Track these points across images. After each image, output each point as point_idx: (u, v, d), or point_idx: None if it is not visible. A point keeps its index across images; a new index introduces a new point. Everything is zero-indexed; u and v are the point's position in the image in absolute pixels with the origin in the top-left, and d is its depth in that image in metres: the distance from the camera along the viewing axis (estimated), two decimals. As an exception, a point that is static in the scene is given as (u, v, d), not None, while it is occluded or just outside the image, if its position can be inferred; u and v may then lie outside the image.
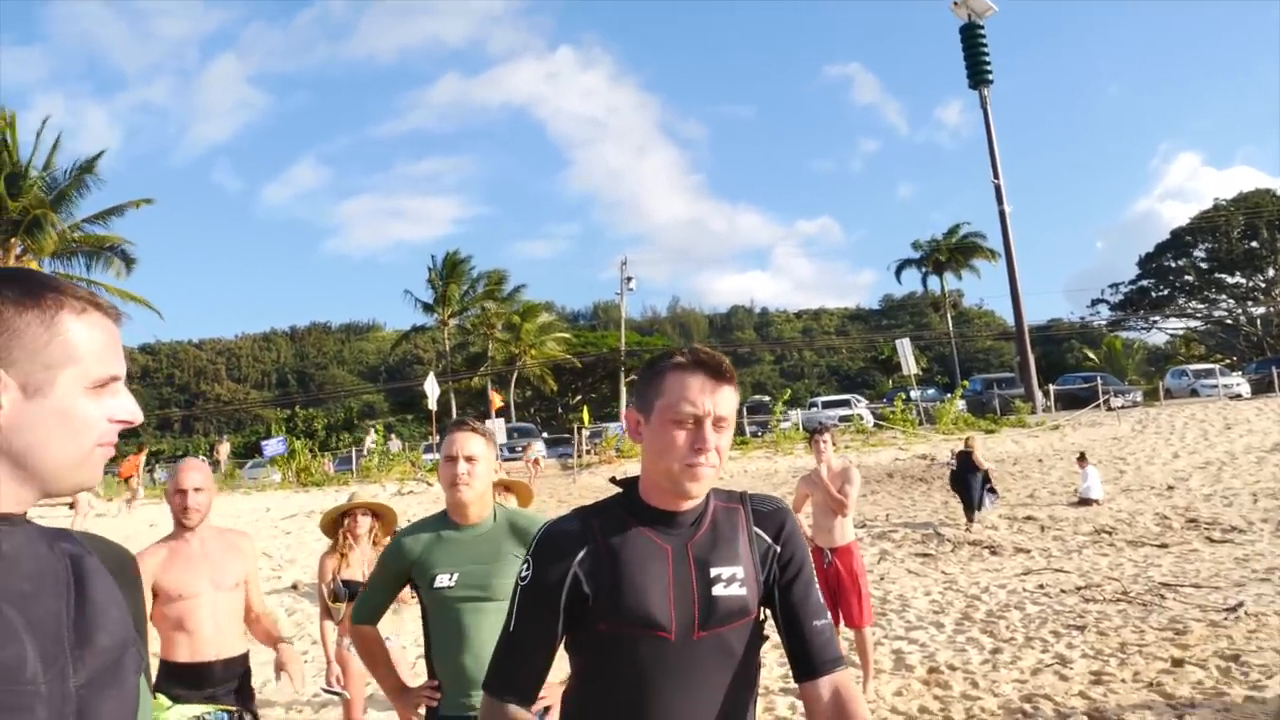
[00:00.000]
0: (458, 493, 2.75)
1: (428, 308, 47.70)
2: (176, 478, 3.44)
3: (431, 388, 26.73)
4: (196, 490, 3.41)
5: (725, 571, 1.62)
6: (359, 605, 2.90)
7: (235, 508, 17.98)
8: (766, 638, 1.71)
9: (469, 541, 2.76)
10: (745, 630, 1.63)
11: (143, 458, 23.82)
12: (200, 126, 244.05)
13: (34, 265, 27.61)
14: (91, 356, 1.01)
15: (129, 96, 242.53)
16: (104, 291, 31.01)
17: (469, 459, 2.74)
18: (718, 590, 1.60)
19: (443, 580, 2.70)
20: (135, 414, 1.07)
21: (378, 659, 2.89)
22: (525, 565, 1.66)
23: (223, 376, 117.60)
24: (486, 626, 2.66)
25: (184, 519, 3.42)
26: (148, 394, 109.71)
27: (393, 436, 28.30)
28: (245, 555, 3.59)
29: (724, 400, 1.61)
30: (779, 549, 1.69)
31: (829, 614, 1.73)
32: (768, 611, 1.70)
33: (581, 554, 1.61)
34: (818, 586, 1.73)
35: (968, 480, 13.73)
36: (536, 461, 22.87)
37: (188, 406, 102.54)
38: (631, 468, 19.17)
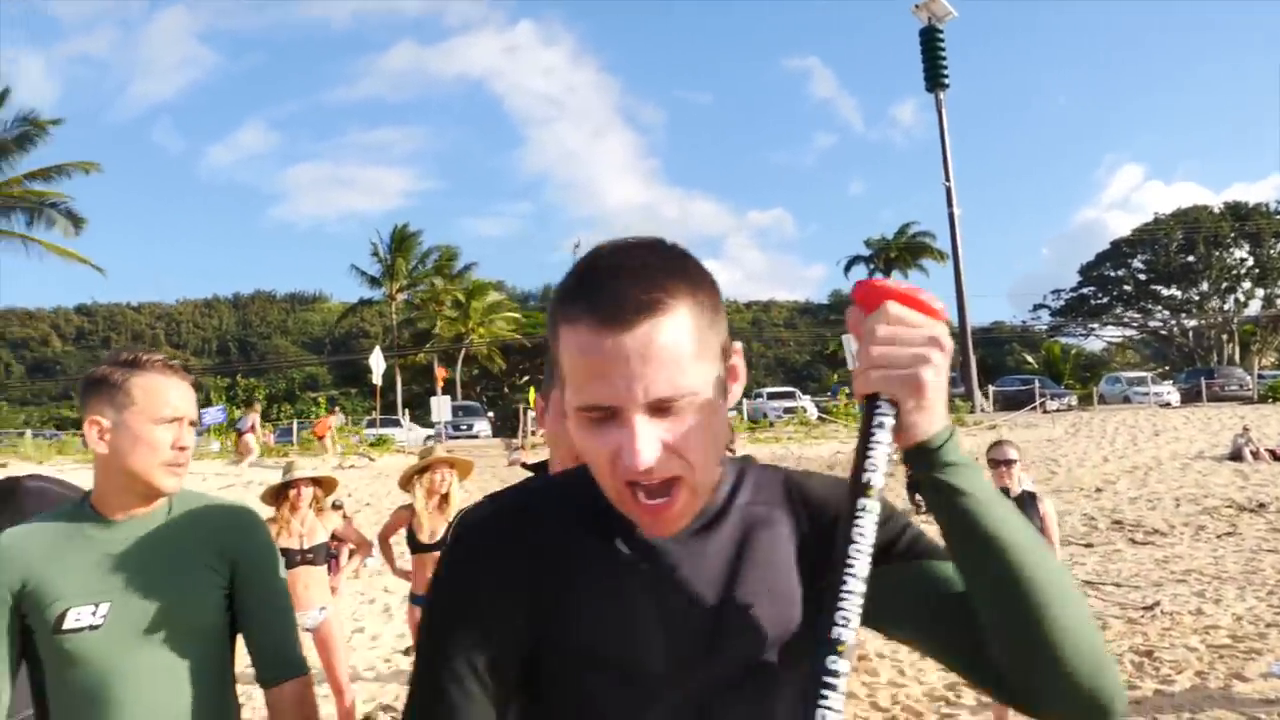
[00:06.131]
0: (174, 474, 1.67)
1: (374, 281, 47.07)
2: None
3: (377, 362, 26.41)
4: None
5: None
6: None
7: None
8: None
9: (124, 545, 1.62)
10: None
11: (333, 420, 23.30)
12: (143, 82, 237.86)
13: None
14: None
15: (67, 47, 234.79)
16: (44, 251, 30.23)
17: (193, 423, 1.71)
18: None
19: (80, 617, 1.55)
20: None
21: None
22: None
23: (161, 341, 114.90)
24: (147, 686, 1.57)
25: None
26: (81, 356, 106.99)
27: (337, 409, 27.98)
28: None
29: None
30: None
31: None
32: None
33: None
34: None
35: None
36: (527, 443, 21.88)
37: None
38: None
